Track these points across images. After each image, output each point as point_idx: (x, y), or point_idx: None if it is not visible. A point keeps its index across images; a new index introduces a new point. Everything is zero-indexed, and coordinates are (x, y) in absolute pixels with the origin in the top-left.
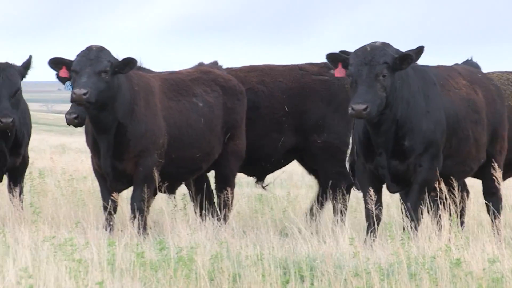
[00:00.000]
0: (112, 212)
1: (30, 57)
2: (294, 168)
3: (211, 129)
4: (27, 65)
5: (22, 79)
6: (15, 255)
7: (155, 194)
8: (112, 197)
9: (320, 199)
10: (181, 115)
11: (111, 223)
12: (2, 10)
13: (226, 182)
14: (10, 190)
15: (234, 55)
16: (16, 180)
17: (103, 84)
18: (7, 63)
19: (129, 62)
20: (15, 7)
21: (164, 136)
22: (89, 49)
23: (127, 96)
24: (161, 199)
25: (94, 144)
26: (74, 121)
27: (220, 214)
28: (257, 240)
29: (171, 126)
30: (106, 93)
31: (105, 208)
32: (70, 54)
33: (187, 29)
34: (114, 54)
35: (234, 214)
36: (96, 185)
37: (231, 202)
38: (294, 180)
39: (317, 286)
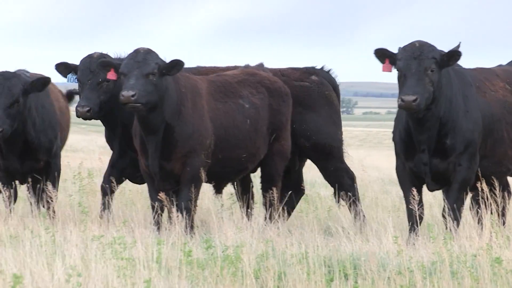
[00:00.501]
0: (160, 212)
1: (47, 79)
2: None
3: (257, 130)
4: (34, 83)
5: (27, 92)
6: (64, 254)
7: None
8: (159, 197)
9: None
10: (227, 116)
11: (158, 222)
12: (56, 12)
13: (271, 182)
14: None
15: (280, 57)
16: (46, 183)
17: (151, 86)
18: (13, 73)
19: (176, 64)
20: (67, 9)
21: (210, 137)
22: (136, 51)
23: (175, 97)
24: (208, 199)
25: (142, 145)
26: (86, 114)
27: (266, 213)
28: (302, 239)
29: (218, 127)
30: (154, 95)
31: (153, 207)
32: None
33: (233, 31)
34: (161, 56)
35: (280, 213)
36: (144, 185)
37: (277, 202)
38: None
39: (361, 284)
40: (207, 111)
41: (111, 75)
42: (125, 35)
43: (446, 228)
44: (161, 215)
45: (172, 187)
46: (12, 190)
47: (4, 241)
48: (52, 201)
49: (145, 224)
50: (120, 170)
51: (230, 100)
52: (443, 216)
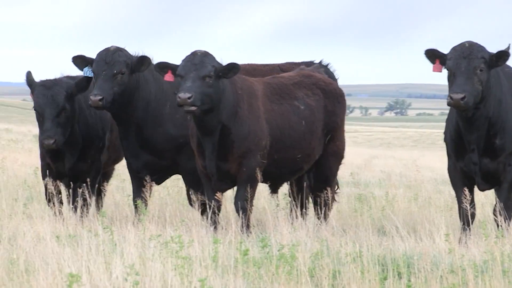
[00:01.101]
0: (216, 211)
1: (87, 78)
2: (393, 168)
3: (312, 131)
4: (78, 83)
5: (73, 96)
6: (122, 253)
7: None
8: (216, 197)
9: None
10: (283, 117)
11: (215, 221)
12: (115, 15)
13: (326, 182)
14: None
15: (335, 59)
16: (89, 183)
17: (207, 88)
18: (53, 81)
19: (233, 68)
20: (126, 12)
21: (266, 138)
22: (194, 54)
23: (231, 99)
24: (263, 199)
25: (199, 146)
26: (98, 102)
27: (320, 213)
28: (356, 238)
29: (273, 128)
30: (210, 97)
31: (209, 207)
32: (177, 58)
33: (289, 33)
34: (218, 59)
35: (334, 213)
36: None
37: (331, 202)
38: (392, 180)
39: (414, 283)
40: (263, 112)
41: (168, 77)
42: (182, 37)
43: (498, 226)
44: (218, 215)
45: (229, 187)
46: (70, 190)
47: (63, 240)
48: (87, 203)
49: (202, 224)
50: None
51: (286, 101)
52: (494, 215)
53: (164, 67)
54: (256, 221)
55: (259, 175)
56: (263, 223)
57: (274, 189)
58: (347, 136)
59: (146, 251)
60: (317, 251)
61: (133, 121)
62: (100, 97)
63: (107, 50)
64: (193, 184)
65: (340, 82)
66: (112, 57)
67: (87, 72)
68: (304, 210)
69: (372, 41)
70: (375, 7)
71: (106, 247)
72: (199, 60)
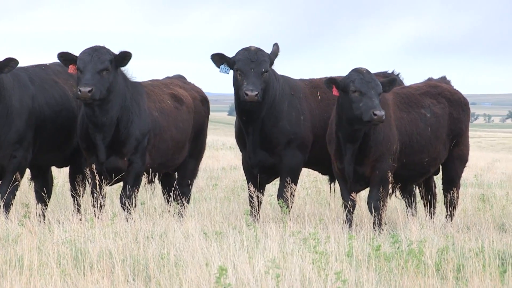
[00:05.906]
0: (351, 210)
1: (127, 54)
2: None
3: (437, 137)
4: (116, 56)
5: (115, 65)
6: (264, 248)
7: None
8: (351, 197)
9: None
10: (411, 124)
11: (350, 219)
12: (262, 31)
13: (452, 183)
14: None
15: (462, 71)
16: (125, 185)
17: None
18: (101, 46)
19: (393, 81)
20: (273, 29)
21: (397, 143)
22: (364, 71)
23: None
24: (394, 198)
25: (337, 151)
26: (254, 97)
27: (447, 211)
28: (479, 235)
29: (403, 134)
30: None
31: (345, 206)
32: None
33: (422, 48)
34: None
35: (459, 211)
36: (337, 186)
37: (457, 201)
38: None
39: None
40: (394, 119)
41: (335, 92)
42: (324, 51)
43: None
44: (353, 213)
45: (363, 188)
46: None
47: (210, 237)
48: (130, 209)
49: (337, 221)
50: (253, 167)
51: (413, 110)
52: None
53: (331, 82)
54: (387, 219)
55: (390, 177)
56: (393, 221)
57: (403, 190)
58: (472, 141)
59: (286, 246)
60: (443, 247)
61: (260, 116)
62: (256, 92)
63: (248, 50)
64: (293, 180)
65: (465, 92)
66: (257, 56)
67: (223, 69)
68: (432, 209)
69: (495, 55)
70: (498, 25)
71: (250, 243)
72: (370, 77)
